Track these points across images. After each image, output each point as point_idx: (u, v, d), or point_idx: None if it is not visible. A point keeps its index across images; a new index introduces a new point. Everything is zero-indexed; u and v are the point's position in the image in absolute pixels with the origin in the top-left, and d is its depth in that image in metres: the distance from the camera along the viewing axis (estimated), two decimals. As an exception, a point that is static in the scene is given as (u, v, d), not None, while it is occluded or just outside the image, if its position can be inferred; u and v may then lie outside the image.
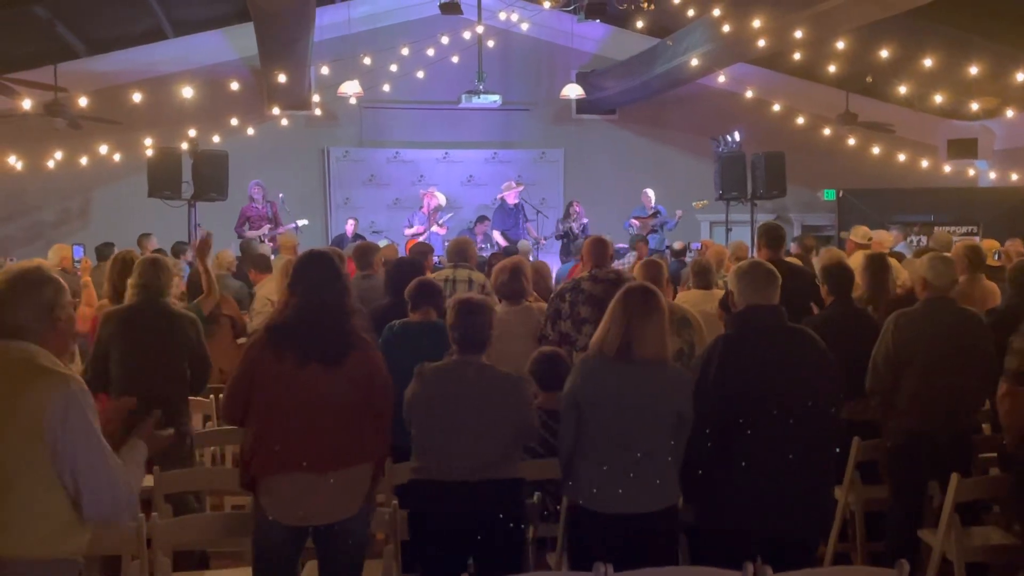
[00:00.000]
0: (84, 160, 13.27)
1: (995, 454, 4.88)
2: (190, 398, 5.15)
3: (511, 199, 13.21)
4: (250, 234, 12.14)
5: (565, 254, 12.45)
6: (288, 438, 3.53)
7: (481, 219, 13.39)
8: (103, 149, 12.97)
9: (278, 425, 3.54)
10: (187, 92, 11.79)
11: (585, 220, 12.98)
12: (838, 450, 3.95)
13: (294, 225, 12.39)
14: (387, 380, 3.72)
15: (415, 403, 3.79)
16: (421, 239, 12.12)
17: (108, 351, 4.80)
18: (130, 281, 5.00)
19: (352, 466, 3.57)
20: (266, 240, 11.80)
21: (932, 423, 4.62)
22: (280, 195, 12.70)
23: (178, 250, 10.69)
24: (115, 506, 2.67)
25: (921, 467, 4.65)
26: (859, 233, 8.89)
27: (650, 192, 13.37)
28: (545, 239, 13.15)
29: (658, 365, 3.66)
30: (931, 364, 4.63)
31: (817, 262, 7.61)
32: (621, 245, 11.55)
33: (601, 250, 5.64)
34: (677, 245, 11.45)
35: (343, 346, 3.59)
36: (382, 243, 10.15)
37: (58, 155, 13.26)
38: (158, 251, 10.03)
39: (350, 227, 13.22)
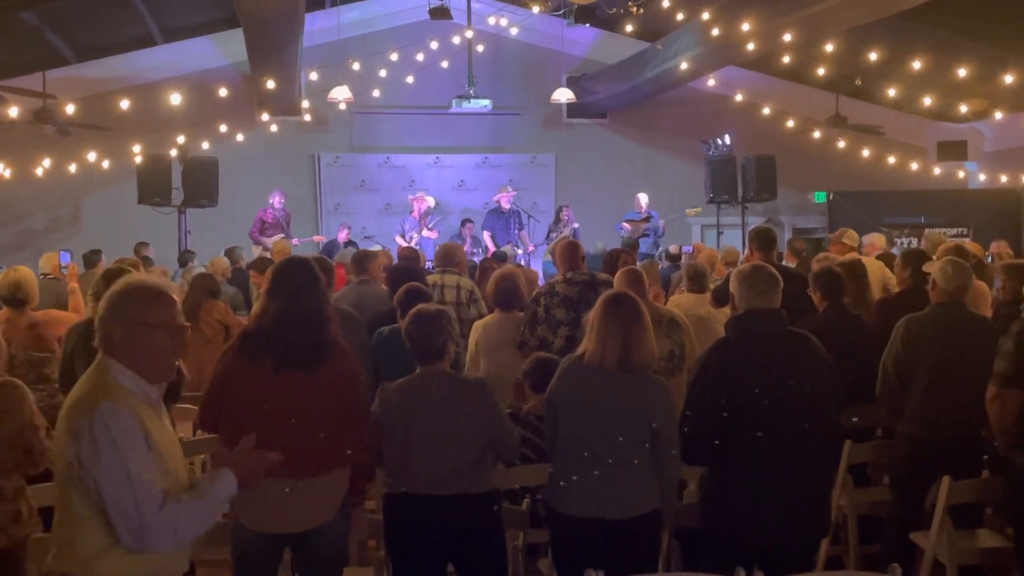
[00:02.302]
0: (73, 167, 13.22)
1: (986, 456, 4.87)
2: (176, 406, 5.11)
3: (505, 203, 13.21)
4: (263, 240, 12.13)
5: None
6: (260, 444, 3.50)
7: (464, 222, 13.37)
8: (92, 156, 12.93)
9: (250, 431, 3.51)
10: (176, 98, 11.76)
11: (576, 225, 12.96)
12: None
13: (310, 239, 12.50)
14: (363, 387, 3.71)
15: (382, 423, 3.74)
16: (412, 244, 12.11)
17: (73, 365, 4.74)
18: (90, 293, 4.97)
19: (325, 473, 3.54)
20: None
21: (939, 429, 4.61)
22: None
23: (185, 259, 10.64)
24: (140, 534, 2.46)
25: (927, 473, 4.60)
26: (850, 237, 8.90)
27: (643, 196, 13.37)
28: (536, 246, 13.12)
29: (644, 372, 3.65)
30: (938, 369, 4.62)
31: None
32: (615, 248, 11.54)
33: (573, 253, 5.75)
34: (673, 249, 11.45)
35: (318, 353, 3.57)
36: (374, 247, 10.14)
37: (47, 162, 13.22)
38: (152, 263, 10.00)
39: (343, 235, 13.17)
